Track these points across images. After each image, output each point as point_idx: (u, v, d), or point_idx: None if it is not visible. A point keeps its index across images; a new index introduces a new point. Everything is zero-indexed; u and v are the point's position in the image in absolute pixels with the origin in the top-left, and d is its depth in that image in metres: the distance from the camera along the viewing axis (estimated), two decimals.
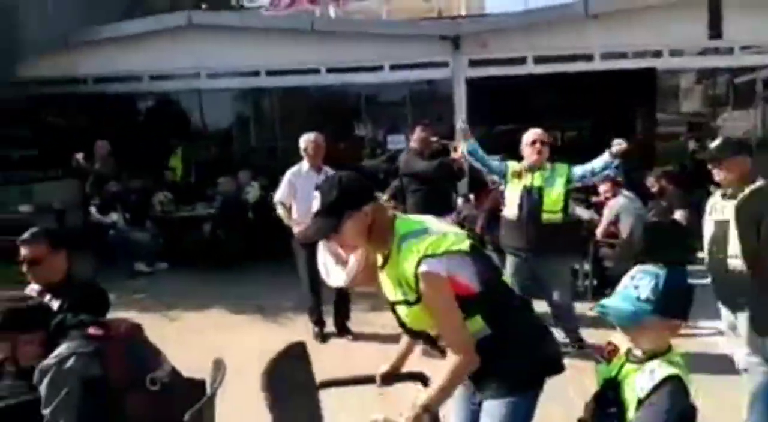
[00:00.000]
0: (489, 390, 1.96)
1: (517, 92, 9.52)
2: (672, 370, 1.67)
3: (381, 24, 8.85)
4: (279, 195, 5.13)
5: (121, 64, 9.85)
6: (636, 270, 1.75)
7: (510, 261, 4.54)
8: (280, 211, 5.07)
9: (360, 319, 5.48)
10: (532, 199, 4.33)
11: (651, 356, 1.72)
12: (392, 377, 2.34)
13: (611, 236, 5.98)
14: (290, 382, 2.02)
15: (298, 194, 4.99)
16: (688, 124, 10.76)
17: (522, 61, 9.21)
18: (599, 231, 5.98)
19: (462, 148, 4.64)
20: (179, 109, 10.82)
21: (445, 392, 1.86)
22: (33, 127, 10.46)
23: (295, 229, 4.81)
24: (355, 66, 9.53)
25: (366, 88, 10.12)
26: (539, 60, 9.14)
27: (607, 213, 6.02)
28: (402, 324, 2.07)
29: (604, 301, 1.77)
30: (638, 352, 1.76)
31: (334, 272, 4.44)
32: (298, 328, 5.28)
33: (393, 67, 9.49)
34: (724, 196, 3.12)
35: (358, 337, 5.17)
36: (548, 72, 9.16)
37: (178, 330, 5.52)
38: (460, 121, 5.33)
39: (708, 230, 3.17)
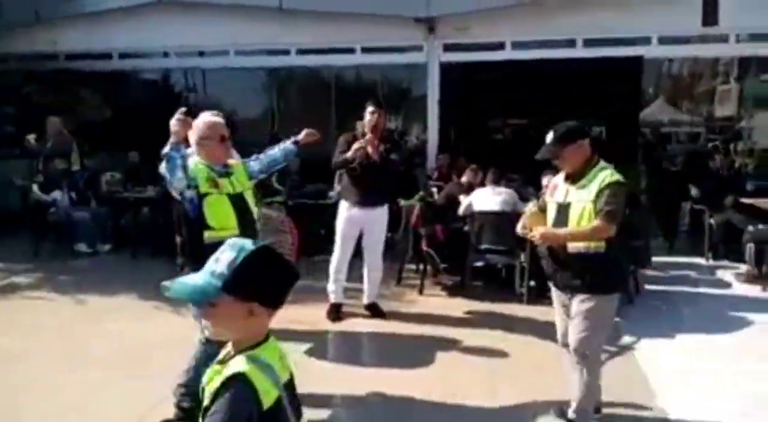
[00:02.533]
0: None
1: (495, 80, 8.95)
2: (241, 368, 1.34)
3: (352, 3, 8.36)
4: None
5: (93, 42, 9.68)
6: (228, 242, 1.45)
7: None
8: None
9: None
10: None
11: (241, 351, 1.40)
12: None
13: None
14: None
15: None
16: None
17: (500, 46, 8.65)
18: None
19: None
20: (150, 87, 10.57)
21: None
22: (12, 103, 10.48)
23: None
24: (325, 47, 9.12)
25: (337, 71, 9.68)
26: (518, 46, 8.56)
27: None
28: None
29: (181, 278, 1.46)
30: (230, 347, 1.45)
31: None
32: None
33: (365, 50, 9.05)
34: (567, 179, 3.10)
35: None
36: (528, 58, 8.56)
37: (82, 315, 5.36)
38: None
39: (550, 212, 3.16)
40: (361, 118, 5.12)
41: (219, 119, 3.30)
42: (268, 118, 10.21)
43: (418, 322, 5.01)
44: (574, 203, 3.01)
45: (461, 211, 5.94)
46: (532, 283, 5.49)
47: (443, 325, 4.94)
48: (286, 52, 9.30)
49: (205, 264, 1.42)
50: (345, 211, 5.01)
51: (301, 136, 3.74)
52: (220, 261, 1.39)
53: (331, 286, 5.13)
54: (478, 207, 5.73)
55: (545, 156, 3.12)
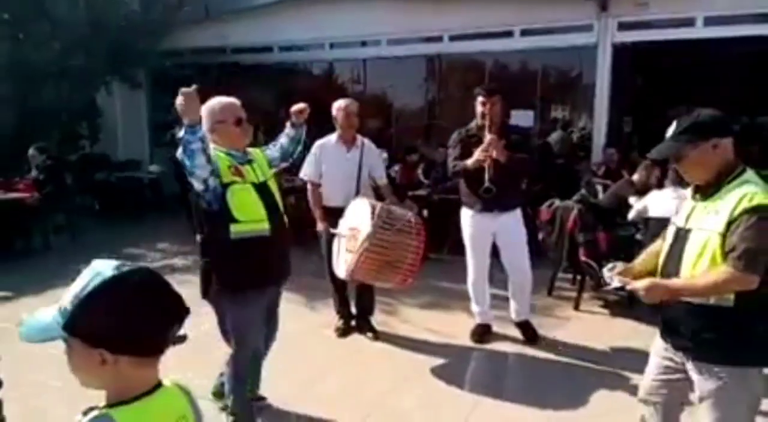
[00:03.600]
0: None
1: (679, 63, 7.65)
2: None
3: None
4: (303, 171, 4.46)
5: (256, 35, 10.07)
6: (92, 263, 1.14)
7: None
8: (310, 194, 4.41)
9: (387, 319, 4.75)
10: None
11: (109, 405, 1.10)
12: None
13: None
14: None
15: (324, 170, 4.34)
16: None
17: (689, 22, 7.33)
18: None
19: None
20: (310, 79, 10.73)
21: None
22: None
23: (319, 226, 4.31)
24: (480, 32, 8.47)
25: (491, 57, 8.95)
26: (713, 21, 7.18)
27: None
28: None
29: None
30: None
31: (341, 262, 3.81)
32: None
33: (524, 33, 8.25)
34: (696, 192, 2.17)
35: (382, 337, 4.41)
36: (725, 36, 7.15)
37: None
38: None
39: (667, 238, 2.26)
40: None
41: (234, 100, 2.91)
42: (426, 108, 9.82)
43: (572, 346, 4.25)
44: (694, 231, 2.08)
45: (631, 215, 5.02)
46: None
47: (603, 351, 4.15)
48: (439, 39, 8.82)
49: None
50: (469, 219, 4.23)
51: (293, 118, 3.26)
52: (69, 291, 1.08)
53: (474, 307, 4.41)
54: (654, 212, 4.76)
55: (662, 155, 2.22)
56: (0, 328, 4.40)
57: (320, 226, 4.30)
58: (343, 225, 3.85)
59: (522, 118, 8.33)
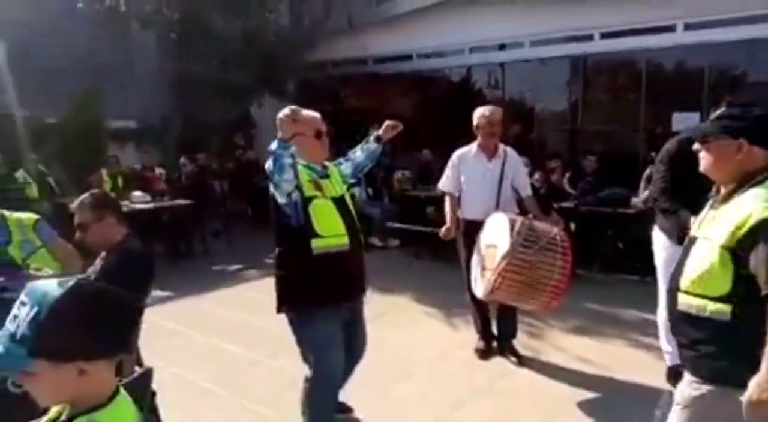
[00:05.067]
0: None
1: None
2: None
3: None
4: (441, 182, 4.30)
5: (395, 44, 10.16)
6: (24, 291, 1.13)
7: None
8: (447, 205, 4.21)
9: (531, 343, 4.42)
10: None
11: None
12: None
13: None
14: None
15: (464, 181, 4.15)
16: None
17: None
18: None
19: None
20: (449, 85, 10.60)
21: None
22: (330, 105, 11.77)
23: (442, 232, 4.09)
24: (638, 28, 7.77)
25: (650, 55, 8.16)
26: None
27: None
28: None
29: None
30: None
31: (479, 281, 3.61)
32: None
33: (689, 27, 7.42)
34: (718, 194, 1.97)
35: (527, 363, 4.11)
36: None
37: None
38: None
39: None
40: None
41: (315, 113, 2.88)
42: (570, 112, 9.27)
43: None
44: (699, 240, 1.89)
45: None
46: None
47: None
48: (589, 37, 8.24)
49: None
50: (668, 248, 3.54)
51: (381, 131, 3.23)
52: (18, 320, 1.09)
53: (665, 345, 3.71)
54: None
55: (689, 132, 2.09)
56: (166, 328, 4.81)
57: (443, 231, 4.07)
58: (482, 241, 3.64)
59: (686, 120, 7.51)
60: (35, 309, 1.10)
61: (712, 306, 1.81)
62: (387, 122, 3.25)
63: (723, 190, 1.93)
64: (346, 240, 2.75)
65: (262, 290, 5.82)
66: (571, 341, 4.51)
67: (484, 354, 4.23)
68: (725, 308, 1.79)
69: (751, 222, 1.70)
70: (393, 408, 3.51)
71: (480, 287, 3.50)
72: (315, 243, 2.69)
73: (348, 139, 10.47)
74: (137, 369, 2.57)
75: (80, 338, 1.11)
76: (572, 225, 6.09)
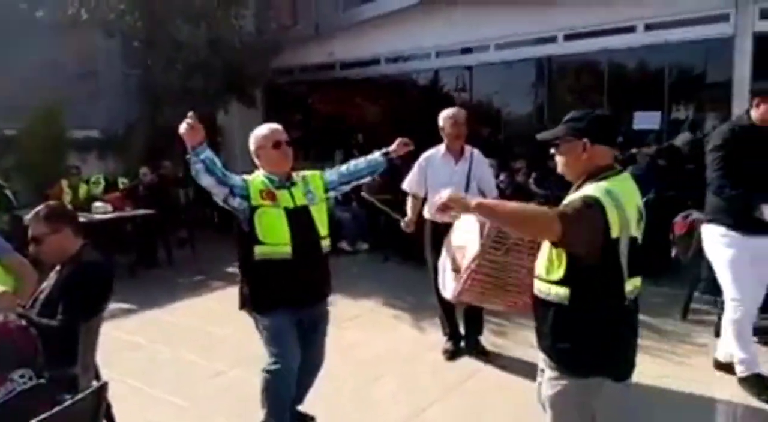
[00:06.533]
0: None
1: None
2: None
3: None
4: (406, 183, 4.32)
5: (362, 49, 10.17)
6: None
7: None
8: (409, 204, 4.27)
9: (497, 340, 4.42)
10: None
11: None
12: None
13: None
14: None
15: (431, 183, 4.14)
16: None
17: None
18: None
19: None
20: (416, 89, 10.64)
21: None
22: (300, 111, 11.71)
23: (403, 225, 4.18)
24: (600, 29, 7.90)
25: (611, 56, 8.31)
26: None
27: None
28: None
29: None
30: None
31: (448, 282, 3.59)
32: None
33: (649, 27, 7.57)
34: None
35: (495, 361, 4.11)
36: None
37: None
38: None
39: None
40: None
41: (275, 125, 2.99)
42: (536, 113, 9.39)
43: (717, 386, 3.70)
44: None
45: None
46: None
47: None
48: (553, 40, 8.36)
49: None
50: (731, 245, 3.43)
51: (392, 147, 3.25)
52: None
53: (740, 353, 3.49)
54: None
55: (542, 138, 2.19)
56: (127, 341, 4.68)
57: (404, 224, 4.23)
58: (451, 242, 3.62)
59: (647, 119, 7.66)
60: None
61: (554, 289, 1.98)
62: (399, 139, 3.25)
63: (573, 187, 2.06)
64: (288, 249, 2.78)
65: (225, 299, 5.77)
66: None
67: (453, 354, 4.22)
68: (563, 290, 1.95)
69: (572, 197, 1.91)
70: (363, 410, 3.47)
71: (449, 288, 3.48)
72: (257, 249, 2.80)
73: (317, 144, 10.55)
74: (94, 383, 2.52)
75: None
76: None
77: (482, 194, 4.15)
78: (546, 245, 2.02)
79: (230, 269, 6.70)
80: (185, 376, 4.06)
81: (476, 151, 4.22)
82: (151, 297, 5.89)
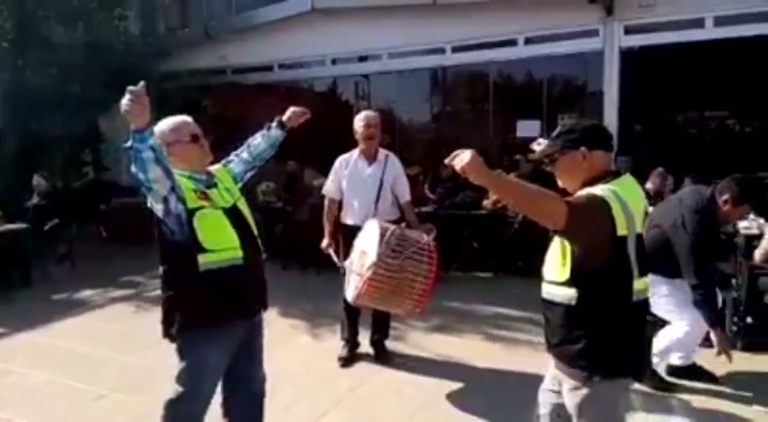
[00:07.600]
0: None
1: (689, 66, 7.43)
2: None
3: None
4: (325, 187, 4.34)
5: (255, 55, 9.99)
6: None
7: None
8: (325, 209, 4.27)
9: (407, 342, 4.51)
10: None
11: None
12: None
13: None
14: None
15: (345, 187, 4.18)
16: None
17: (699, 23, 7.10)
18: (758, 254, 4.12)
19: None
20: (311, 96, 10.62)
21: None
22: (193, 115, 11.22)
23: (324, 243, 4.14)
24: (483, 42, 8.30)
25: (495, 67, 8.75)
26: (724, 21, 6.95)
27: None
28: None
29: None
30: None
31: (351, 285, 3.60)
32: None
33: (529, 41, 8.06)
34: None
35: (390, 365, 4.17)
36: (738, 36, 6.91)
37: None
38: None
39: None
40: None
41: (186, 118, 2.57)
42: (430, 121, 9.65)
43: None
44: (556, 238, 2.01)
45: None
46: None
47: None
48: (441, 51, 8.67)
49: None
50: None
51: (286, 116, 2.96)
52: None
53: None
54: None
55: (536, 156, 2.16)
56: None
57: (324, 243, 4.12)
58: (356, 246, 3.65)
59: (528, 128, 8.13)
60: None
61: (562, 292, 1.96)
62: (292, 108, 2.97)
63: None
64: (239, 253, 2.44)
65: (112, 319, 5.44)
66: (433, 339, 4.66)
67: (347, 361, 4.23)
68: (570, 292, 1.94)
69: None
70: None
71: (350, 291, 3.50)
72: (202, 258, 2.36)
73: (211, 149, 10.18)
74: None
75: None
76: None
77: (395, 198, 4.22)
78: (553, 247, 2.01)
79: (112, 287, 6.35)
80: (62, 401, 3.76)
81: (391, 155, 4.29)
82: (24, 319, 5.39)
